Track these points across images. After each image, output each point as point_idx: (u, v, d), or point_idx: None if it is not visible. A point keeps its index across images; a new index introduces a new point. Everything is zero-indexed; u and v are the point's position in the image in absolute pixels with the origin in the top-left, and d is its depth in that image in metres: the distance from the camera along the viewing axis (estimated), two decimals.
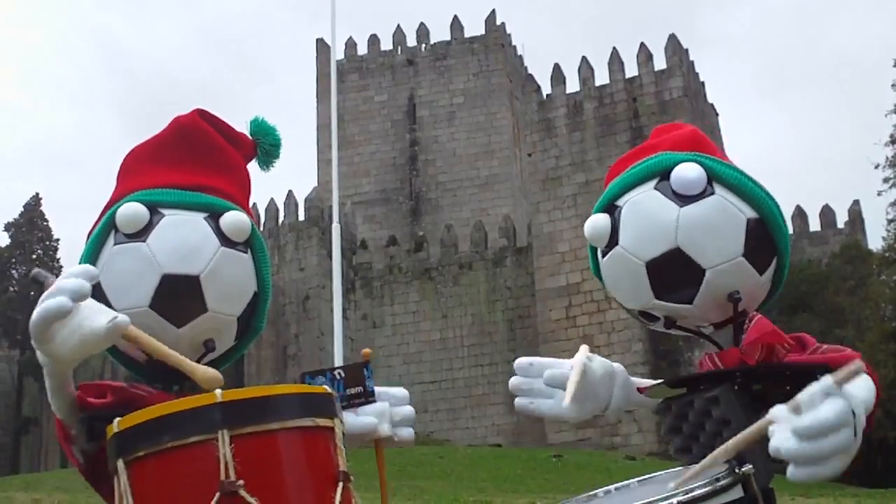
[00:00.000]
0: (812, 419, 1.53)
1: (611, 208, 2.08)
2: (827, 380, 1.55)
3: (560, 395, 2.04)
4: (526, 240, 33.01)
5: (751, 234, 1.98)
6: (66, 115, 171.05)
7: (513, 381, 2.12)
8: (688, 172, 1.98)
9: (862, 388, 1.69)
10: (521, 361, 2.13)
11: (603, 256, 2.10)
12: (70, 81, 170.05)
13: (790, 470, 1.57)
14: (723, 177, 2.01)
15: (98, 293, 1.93)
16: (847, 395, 1.55)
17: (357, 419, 2.06)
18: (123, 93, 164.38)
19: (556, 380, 2.06)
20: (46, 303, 1.58)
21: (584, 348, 2.11)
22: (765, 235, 2.01)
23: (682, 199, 1.97)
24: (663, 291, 2.00)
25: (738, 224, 1.98)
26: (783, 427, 1.56)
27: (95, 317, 1.63)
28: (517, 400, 2.11)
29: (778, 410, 1.58)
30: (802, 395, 1.56)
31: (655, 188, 2.02)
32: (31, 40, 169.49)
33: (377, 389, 2.12)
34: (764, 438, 1.59)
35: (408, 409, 2.16)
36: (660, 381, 2.09)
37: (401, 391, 2.18)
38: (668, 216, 1.97)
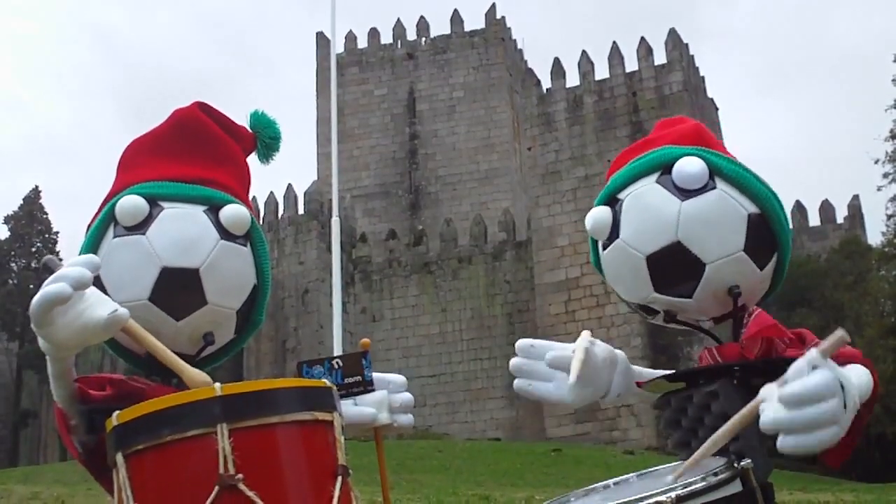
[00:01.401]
0: (798, 386, 1.54)
1: (612, 201, 2.08)
2: (812, 352, 1.56)
3: (560, 379, 2.04)
4: (525, 234, 33.01)
5: (752, 228, 1.98)
6: (65, 107, 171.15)
7: (513, 361, 2.11)
8: (689, 167, 1.98)
9: (854, 371, 1.69)
10: (523, 343, 2.12)
11: (604, 249, 2.10)
12: (68, 73, 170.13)
13: (779, 440, 1.56)
14: (724, 171, 2.01)
15: (97, 286, 1.92)
16: (834, 367, 1.55)
17: (356, 409, 2.07)
18: (122, 85, 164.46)
19: (560, 361, 2.04)
20: (47, 288, 1.59)
21: (585, 333, 2.11)
22: (766, 230, 2.01)
23: (684, 193, 1.97)
24: (663, 285, 2.00)
25: (739, 219, 1.98)
26: (772, 402, 1.57)
27: (97, 307, 1.64)
28: (517, 381, 2.11)
29: (767, 388, 1.59)
30: (790, 370, 1.56)
31: (657, 182, 2.02)
32: (29, 31, 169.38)
33: (375, 376, 2.13)
34: (757, 421, 1.60)
35: (406, 396, 2.17)
36: (659, 375, 2.09)
37: (399, 378, 2.19)
38: (670, 210, 1.96)
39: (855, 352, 1.82)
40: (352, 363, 2.11)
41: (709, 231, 1.95)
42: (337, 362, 2.10)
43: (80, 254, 1.97)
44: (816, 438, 1.54)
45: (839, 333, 1.60)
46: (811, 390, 1.53)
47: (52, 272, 1.65)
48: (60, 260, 1.72)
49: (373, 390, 2.11)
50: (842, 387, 1.55)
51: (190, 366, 1.76)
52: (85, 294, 1.64)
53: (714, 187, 1.99)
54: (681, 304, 2.01)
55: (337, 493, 1.56)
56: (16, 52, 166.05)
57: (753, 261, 1.98)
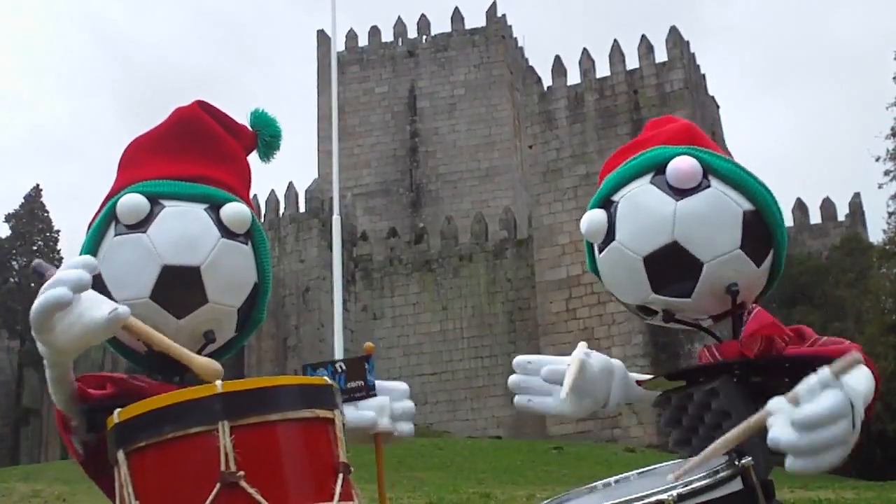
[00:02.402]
0: (810, 410, 1.53)
1: (606, 204, 2.08)
2: (825, 371, 1.56)
3: (558, 392, 2.04)
4: (526, 232, 33.01)
5: (747, 225, 1.98)
6: (65, 104, 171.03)
7: (511, 379, 2.12)
8: (683, 166, 1.98)
9: (861, 381, 1.69)
10: (520, 360, 2.13)
11: (600, 252, 2.10)
12: (68, 71, 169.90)
13: (788, 461, 1.57)
14: (718, 169, 2.01)
15: (98, 284, 1.93)
16: (845, 387, 1.55)
17: (357, 413, 2.06)
18: (122, 82, 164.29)
19: (555, 375, 2.05)
20: (47, 293, 1.58)
21: (582, 345, 2.12)
22: (761, 227, 2.01)
23: (679, 193, 1.97)
24: (661, 285, 2.00)
25: (734, 216, 1.98)
26: (781, 418, 1.56)
27: (96, 307, 1.63)
28: (516, 398, 2.12)
29: (776, 402, 1.59)
30: (801, 387, 1.56)
31: (651, 182, 2.02)
32: (28, 28, 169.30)
33: (378, 383, 2.12)
34: (763, 430, 1.60)
35: (408, 404, 2.16)
36: (658, 374, 2.09)
37: (401, 385, 2.18)
38: (665, 210, 1.96)
39: (856, 347, 1.82)
40: (355, 367, 2.10)
41: (705, 230, 1.95)
42: (340, 366, 2.09)
43: (81, 252, 1.98)
44: (825, 461, 1.55)
45: (855, 356, 1.60)
46: (823, 415, 1.53)
47: (41, 276, 1.65)
48: (59, 261, 1.72)
49: (375, 395, 2.11)
50: (851, 406, 1.55)
51: (197, 354, 1.76)
52: (81, 296, 1.63)
53: (708, 186, 1.99)
54: (679, 303, 2.01)
55: (338, 490, 1.56)
56: (16, 50, 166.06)
57: (750, 258, 1.98)
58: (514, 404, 2.14)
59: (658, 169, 2.02)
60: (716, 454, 1.67)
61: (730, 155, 2.12)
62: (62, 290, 1.58)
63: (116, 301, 1.90)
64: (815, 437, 1.53)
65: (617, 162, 2.14)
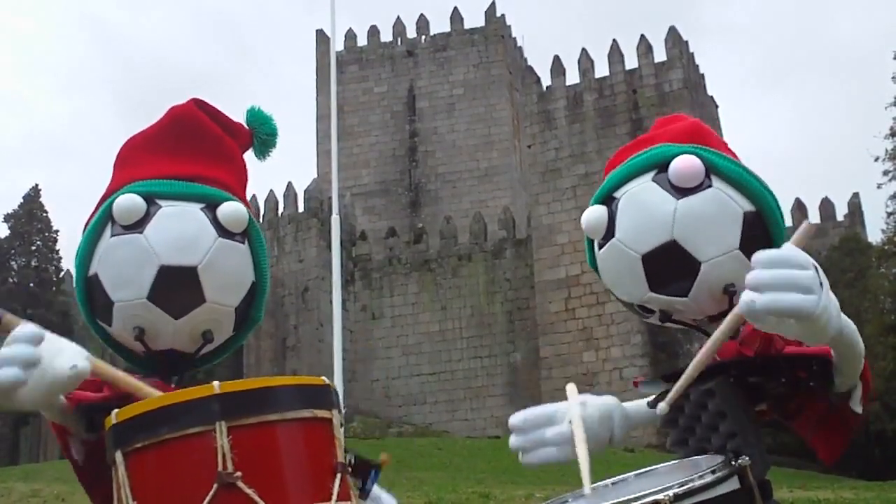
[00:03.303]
0: (773, 251, 1.59)
1: (608, 200, 2.07)
2: (786, 244, 1.62)
3: (561, 443, 2.03)
4: (525, 231, 33.01)
5: (747, 226, 1.97)
6: (64, 104, 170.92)
7: (512, 441, 2.10)
8: (685, 164, 1.98)
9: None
10: (514, 420, 2.10)
11: (599, 249, 2.09)
12: (67, 70, 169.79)
13: (752, 298, 1.57)
14: (721, 169, 2.00)
15: (96, 285, 1.93)
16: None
17: None
18: (122, 81, 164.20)
19: (562, 438, 2.03)
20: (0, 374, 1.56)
21: (571, 390, 2.10)
22: (761, 229, 2.01)
23: (680, 192, 1.96)
24: (658, 284, 1.99)
25: (734, 217, 1.97)
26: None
27: (55, 361, 1.60)
28: (522, 459, 2.09)
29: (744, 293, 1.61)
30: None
31: (653, 180, 2.01)
32: (28, 28, 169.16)
33: (374, 491, 2.02)
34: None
35: None
36: (656, 377, 2.09)
37: (392, 501, 2.04)
38: (665, 208, 1.96)
39: None
40: (361, 467, 2.01)
41: (704, 229, 1.94)
42: (349, 458, 2.00)
43: (78, 253, 1.97)
44: (793, 297, 1.54)
45: (807, 224, 1.63)
46: (786, 255, 1.58)
47: (5, 330, 1.63)
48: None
49: (363, 501, 2.01)
50: (816, 271, 1.59)
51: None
52: (41, 351, 1.60)
53: (710, 185, 1.98)
54: (676, 303, 2.01)
55: (336, 490, 1.56)
56: (16, 50, 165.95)
57: (749, 259, 1.98)
58: (522, 464, 2.11)
59: (661, 167, 2.01)
60: (700, 365, 1.75)
61: (735, 155, 2.11)
62: (14, 371, 1.56)
63: (115, 302, 1.90)
64: (779, 272, 1.55)
65: (621, 159, 2.13)
